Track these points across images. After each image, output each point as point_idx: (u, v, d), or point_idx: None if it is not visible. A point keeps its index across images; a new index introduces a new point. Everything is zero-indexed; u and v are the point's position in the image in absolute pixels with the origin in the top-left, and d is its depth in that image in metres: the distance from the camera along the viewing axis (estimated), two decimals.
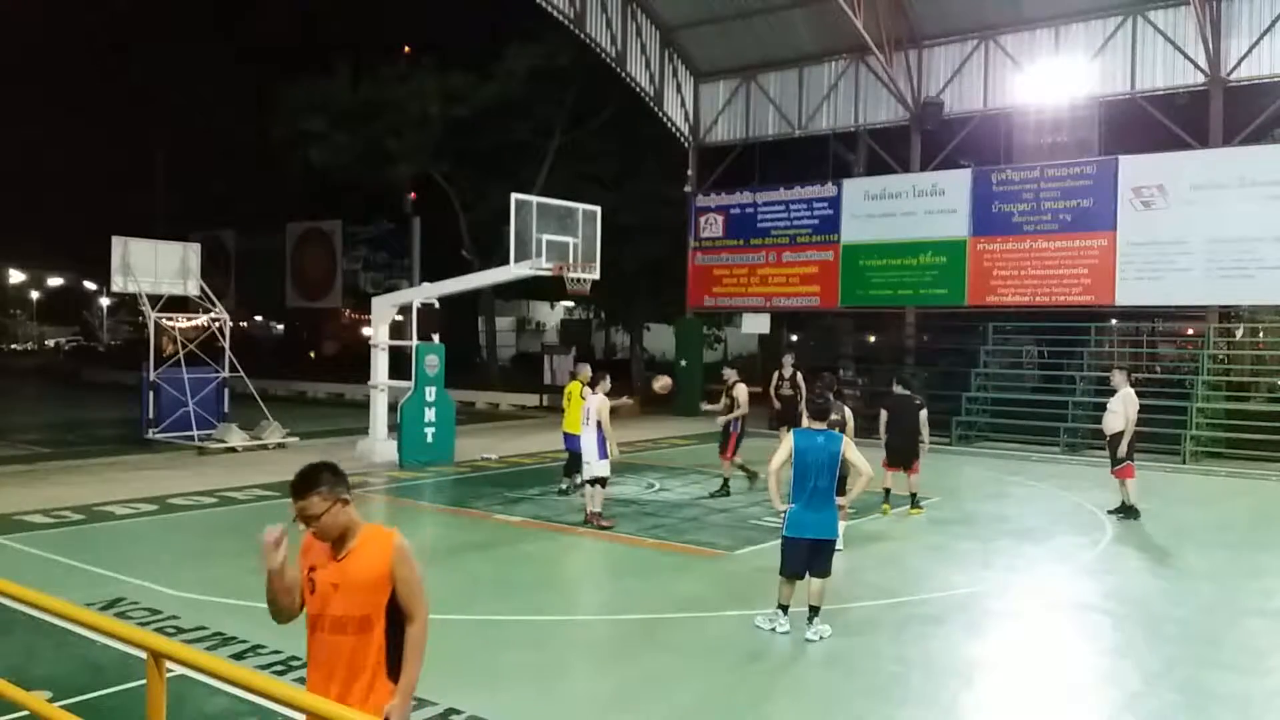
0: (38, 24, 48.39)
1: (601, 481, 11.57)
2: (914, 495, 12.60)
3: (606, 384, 11.89)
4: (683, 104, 27.11)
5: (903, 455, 12.60)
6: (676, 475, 15.51)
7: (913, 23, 23.08)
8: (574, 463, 13.06)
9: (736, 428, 13.70)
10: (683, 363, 27.22)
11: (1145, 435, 13.08)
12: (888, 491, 12.58)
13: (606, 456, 11.47)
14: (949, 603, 8.60)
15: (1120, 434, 12.27)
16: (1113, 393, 12.68)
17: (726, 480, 13.79)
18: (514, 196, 15.60)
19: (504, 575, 9.57)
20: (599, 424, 11.44)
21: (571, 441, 13.13)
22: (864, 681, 6.69)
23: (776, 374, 17.48)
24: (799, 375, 17.05)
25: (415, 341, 16.38)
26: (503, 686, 6.40)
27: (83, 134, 53.30)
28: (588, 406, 11.70)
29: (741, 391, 13.77)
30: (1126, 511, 12.36)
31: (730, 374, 14.46)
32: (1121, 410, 12.31)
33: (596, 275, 16.47)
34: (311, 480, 3.66)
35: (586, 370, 13.69)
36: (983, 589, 9.15)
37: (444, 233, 35.32)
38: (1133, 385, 12.72)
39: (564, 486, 13.80)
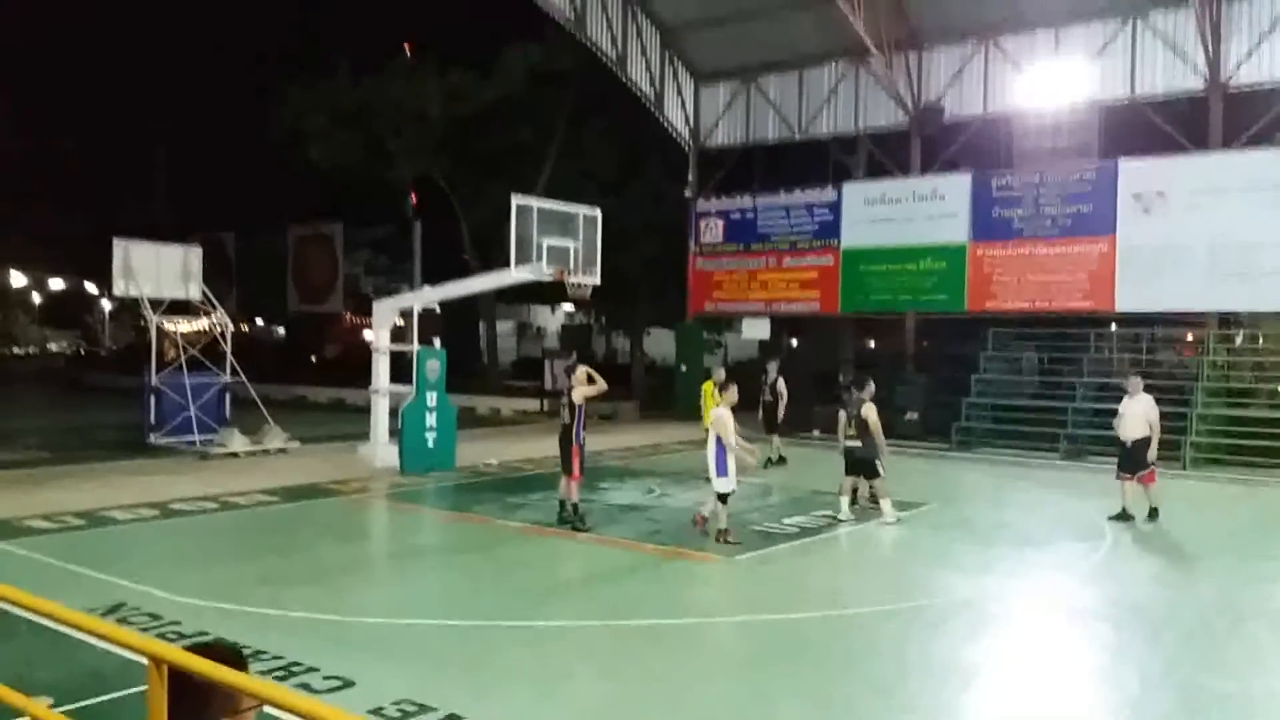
0: (38, 24, 48.48)
1: (723, 498, 10.95)
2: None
3: (732, 394, 11.17)
4: (683, 107, 27.15)
5: None
6: (677, 481, 15.51)
7: (912, 25, 23.10)
8: None
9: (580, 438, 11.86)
10: (683, 367, 27.24)
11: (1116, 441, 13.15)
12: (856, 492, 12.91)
13: (726, 473, 10.83)
14: (949, 608, 8.60)
15: (1144, 439, 12.35)
16: (1119, 399, 12.71)
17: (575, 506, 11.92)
18: (515, 200, 15.59)
19: (505, 580, 9.58)
20: (719, 438, 10.80)
21: None
22: (865, 685, 6.70)
23: (762, 378, 17.57)
24: (780, 383, 17.18)
25: (416, 346, 16.40)
26: (503, 691, 6.41)
27: (83, 136, 53.37)
28: (711, 419, 11.06)
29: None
30: (1145, 514, 12.48)
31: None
32: (1143, 415, 12.41)
33: (597, 280, 16.47)
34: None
35: (721, 372, 13.69)
36: (983, 594, 9.15)
37: (445, 236, 35.35)
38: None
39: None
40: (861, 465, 12.23)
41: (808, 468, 16.46)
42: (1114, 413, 12.95)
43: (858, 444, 12.16)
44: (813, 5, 23.28)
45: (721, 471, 10.84)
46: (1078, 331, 22.00)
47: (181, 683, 2.63)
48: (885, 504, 12.18)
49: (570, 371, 12.21)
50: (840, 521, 12.15)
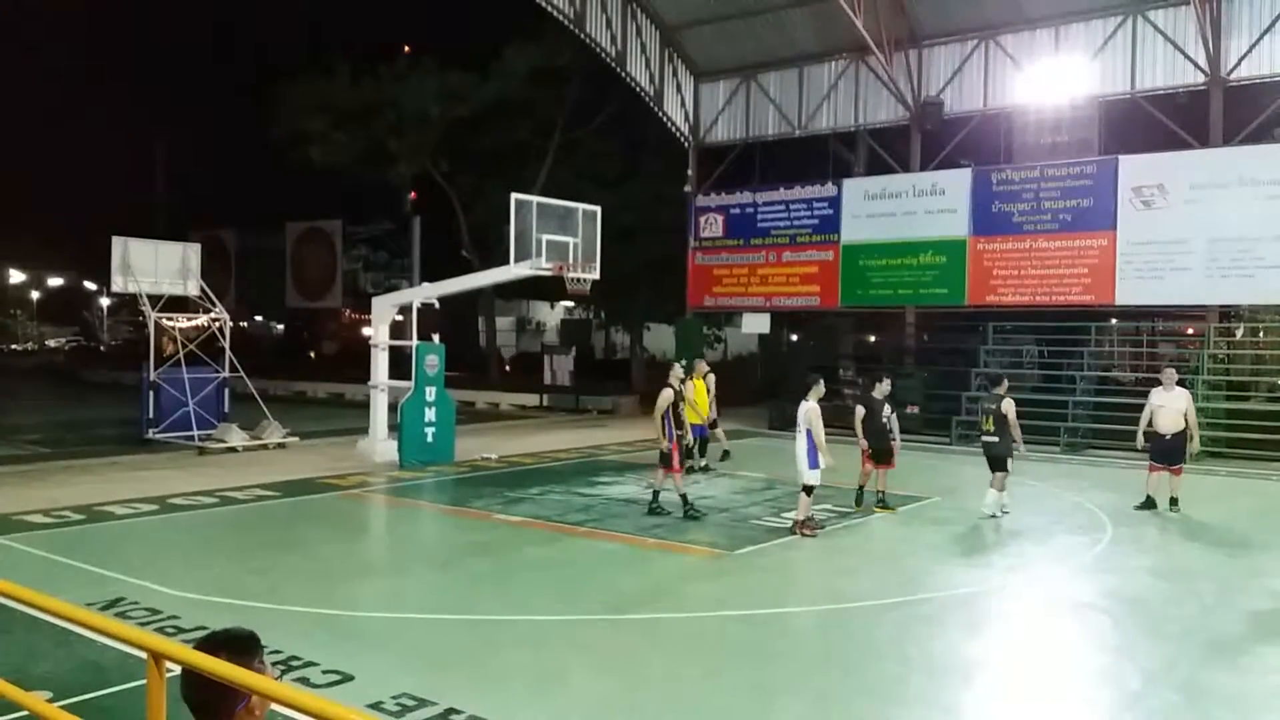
0: (39, 24, 48.46)
1: (809, 490, 11.06)
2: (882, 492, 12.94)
3: (820, 389, 11.20)
4: (683, 104, 27.10)
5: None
6: None
7: (913, 22, 23.07)
8: (701, 445, 15.88)
9: (672, 436, 12.32)
10: (682, 362, 27.19)
11: (1147, 434, 13.19)
12: (861, 490, 12.93)
13: (818, 465, 10.94)
14: (949, 602, 8.59)
15: (1182, 432, 12.59)
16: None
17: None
18: (514, 196, 15.61)
19: (504, 575, 9.57)
20: (809, 431, 10.91)
21: (696, 429, 15.44)
22: (864, 681, 6.68)
23: None
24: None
25: (415, 341, 16.39)
26: (502, 686, 6.39)
27: (83, 134, 53.34)
28: (800, 413, 11.11)
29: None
30: (1173, 504, 12.68)
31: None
32: (1182, 408, 12.66)
33: (596, 275, 16.49)
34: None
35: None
36: (983, 588, 9.14)
37: (444, 233, 35.34)
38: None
39: (693, 464, 15.44)
40: (995, 460, 12.24)
41: None
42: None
43: (995, 439, 12.21)
44: (812, 2, 23.24)
45: (813, 464, 10.94)
46: (1078, 325, 21.96)
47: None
48: (1003, 496, 12.23)
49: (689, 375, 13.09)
50: (991, 516, 12.11)
